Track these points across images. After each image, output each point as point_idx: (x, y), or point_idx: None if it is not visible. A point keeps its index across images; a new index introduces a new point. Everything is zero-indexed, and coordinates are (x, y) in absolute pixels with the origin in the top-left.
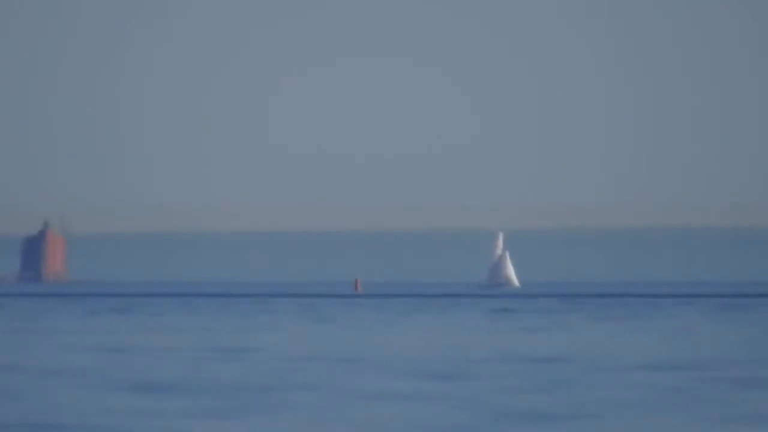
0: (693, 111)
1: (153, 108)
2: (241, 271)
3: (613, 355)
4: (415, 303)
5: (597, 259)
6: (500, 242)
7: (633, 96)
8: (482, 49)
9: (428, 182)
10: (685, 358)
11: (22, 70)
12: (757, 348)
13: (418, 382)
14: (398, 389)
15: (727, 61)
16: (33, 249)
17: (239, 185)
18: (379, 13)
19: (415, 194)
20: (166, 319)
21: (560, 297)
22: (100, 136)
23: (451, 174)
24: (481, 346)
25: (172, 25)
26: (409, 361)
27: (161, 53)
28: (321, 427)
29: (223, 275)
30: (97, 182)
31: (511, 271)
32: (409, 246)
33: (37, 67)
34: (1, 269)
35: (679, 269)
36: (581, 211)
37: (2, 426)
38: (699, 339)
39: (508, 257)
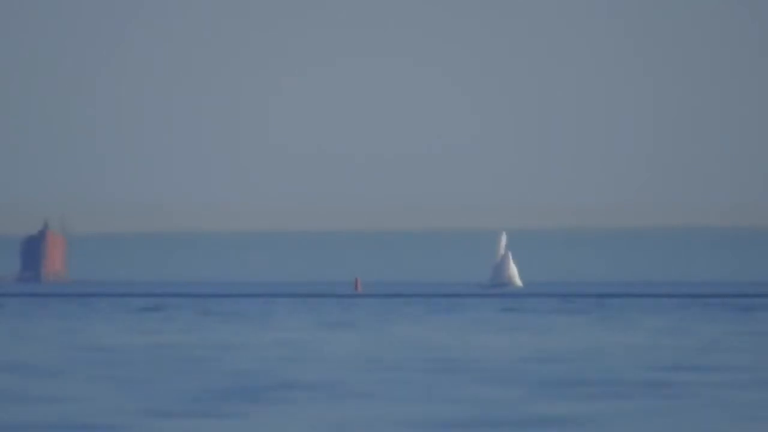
0: (693, 111)
1: (153, 108)
2: (241, 272)
3: None
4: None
5: (599, 259)
6: (503, 242)
7: (633, 96)
8: (482, 49)
9: (429, 182)
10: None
11: (22, 70)
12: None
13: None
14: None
15: (727, 61)
16: (33, 249)
17: (239, 185)
18: (379, 13)
19: (415, 194)
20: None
21: (579, 297)
22: (100, 136)
23: (452, 174)
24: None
25: (172, 25)
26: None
27: (161, 53)
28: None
29: (223, 275)
30: (97, 182)
31: (514, 271)
32: (411, 246)
33: (37, 67)
34: (0, 269)
35: (679, 269)
36: (582, 211)
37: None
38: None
39: (510, 257)
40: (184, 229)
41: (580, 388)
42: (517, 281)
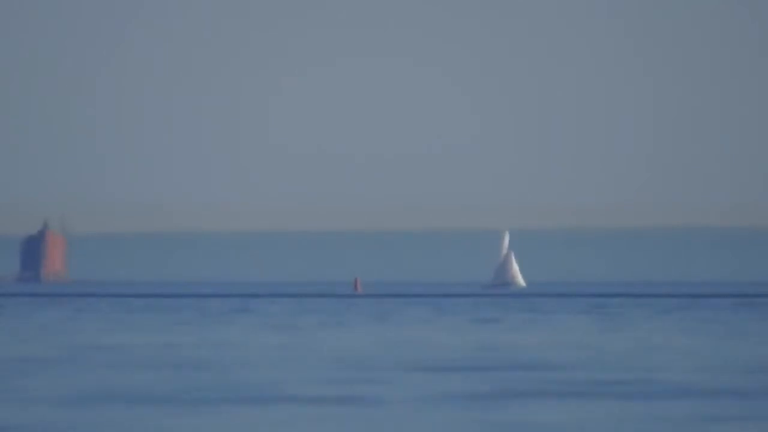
0: (693, 111)
1: (153, 108)
2: (241, 272)
3: None
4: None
5: (601, 259)
6: (506, 242)
7: (633, 96)
8: (483, 50)
9: (430, 182)
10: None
11: (22, 70)
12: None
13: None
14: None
15: (727, 61)
16: (32, 249)
17: (239, 185)
18: (379, 13)
19: (416, 194)
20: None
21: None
22: (100, 136)
23: (453, 174)
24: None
25: (172, 25)
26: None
27: (161, 53)
28: None
29: (223, 275)
30: (97, 182)
31: (516, 270)
32: (412, 246)
33: (37, 67)
34: (0, 269)
35: (680, 269)
36: (583, 211)
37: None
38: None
39: (513, 257)
40: (184, 229)
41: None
42: (520, 281)
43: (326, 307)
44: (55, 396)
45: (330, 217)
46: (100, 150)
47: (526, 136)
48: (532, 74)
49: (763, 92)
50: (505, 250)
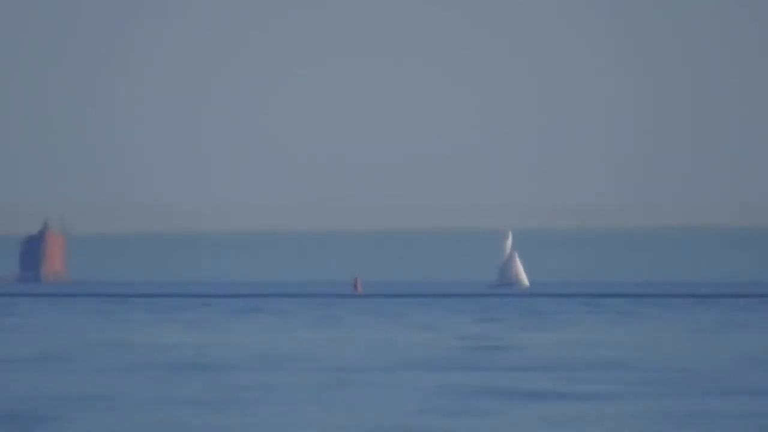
0: (693, 111)
1: (153, 108)
2: (241, 272)
3: None
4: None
5: (604, 259)
6: (509, 242)
7: (633, 96)
8: (485, 51)
9: (432, 182)
10: None
11: (22, 70)
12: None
13: None
14: None
15: (727, 61)
16: (32, 249)
17: (239, 185)
18: (381, 14)
19: (419, 195)
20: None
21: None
22: (100, 136)
23: (456, 174)
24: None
25: (172, 25)
26: None
27: (161, 53)
28: None
29: (223, 275)
30: (97, 182)
31: (520, 270)
32: (416, 247)
33: (37, 67)
34: (0, 269)
35: (685, 269)
36: (585, 211)
37: None
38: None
39: (517, 257)
40: (184, 229)
41: None
42: (524, 281)
43: (324, 307)
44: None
45: (331, 217)
46: (100, 150)
47: (529, 137)
48: (533, 75)
49: (763, 92)
50: (508, 250)
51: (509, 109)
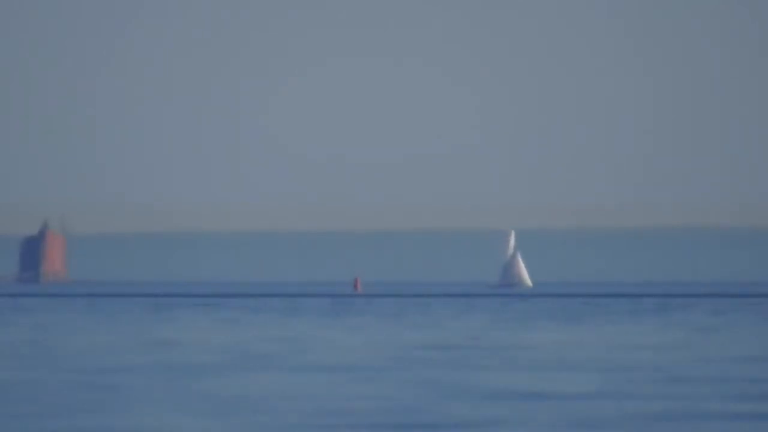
0: (693, 111)
1: (153, 108)
2: (241, 272)
3: None
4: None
5: (606, 258)
6: (512, 242)
7: (633, 96)
8: (485, 51)
9: (432, 182)
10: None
11: (22, 70)
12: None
13: None
14: None
15: (727, 61)
16: (32, 249)
17: (239, 185)
18: (381, 14)
19: (421, 195)
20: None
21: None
22: (100, 136)
23: (458, 174)
24: None
25: (172, 25)
26: None
27: (161, 53)
28: None
29: (223, 275)
30: (97, 182)
31: (523, 270)
32: (418, 247)
33: (37, 67)
34: (0, 269)
35: (685, 269)
36: (587, 211)
37: None
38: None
39: (519, 257)
40: (184, 229)
41: None
42: (527, 281)
43: (324, 307)
44: None
45: (331, 217)
46: (100, 150)
47: (529, 137)
48: (533, 75)
49: (763, 92)
50: (511, 251)
51: (509, 109)
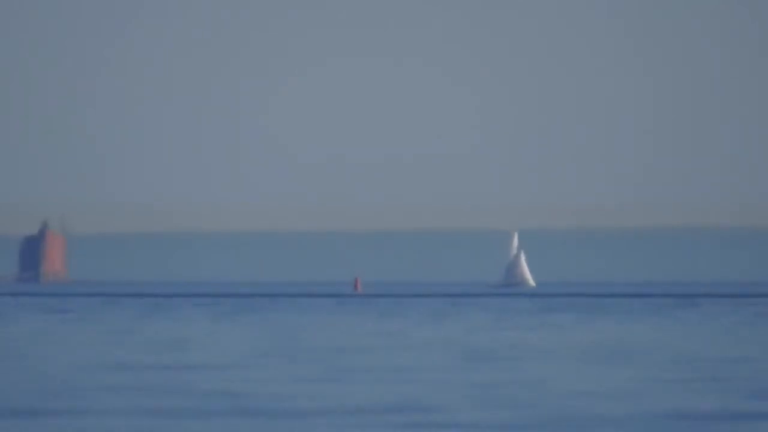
0: (693, 111)
1: (153, 108)
2: (241, 271)
3: None
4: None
5: (608, 258)
6: (515, 242)
7: (633, 96)
8: (485, 51)
9: (432, 182)
10: None
11: (22, 70)
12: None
13: None
14: None
15: (727, 61)
16: (32, 249)
17: (239, 185)
18: (381, 13)
19: (418, 194)
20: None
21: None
22: (100, 136)
23: (456, 174)
24: None
25: (172, 25)
26: None
27: (161, 53)
28: None
29: (223, 275)
30: (97, 182)
31: (526, 270)
32: (417, 246)
33: (37, 67)
34: (0, 269)
35: (685, 269)
36: (585, 211)
37: None
38: None
39: (523, 257)
40: (184, 229)
41: None
42: (530, 281)
43: (324, 306)
44: None
45: (331, 217)
46: (100, 150)
47: (529, 137)
48: (533, 75)
49: (763, 92)
50: (514, 251)
51: (509, 109)
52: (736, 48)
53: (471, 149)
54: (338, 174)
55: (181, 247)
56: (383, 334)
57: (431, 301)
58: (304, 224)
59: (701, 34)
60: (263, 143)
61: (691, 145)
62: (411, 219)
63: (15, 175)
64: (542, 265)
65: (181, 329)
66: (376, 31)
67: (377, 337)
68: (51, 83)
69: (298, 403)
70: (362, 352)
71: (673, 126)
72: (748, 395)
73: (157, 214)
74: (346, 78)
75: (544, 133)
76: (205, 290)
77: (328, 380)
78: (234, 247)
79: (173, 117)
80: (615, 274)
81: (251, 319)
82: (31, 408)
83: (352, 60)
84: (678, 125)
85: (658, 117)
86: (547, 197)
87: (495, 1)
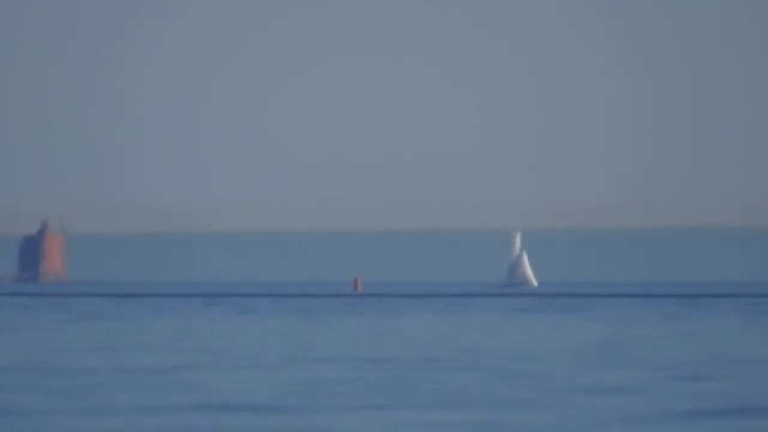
0: (693, 111)
1: (152, 108)
2: (241, 272)
3: None
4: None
5: (608, 258)
6: (518, 242)
7: (633, 96)
8: (485, 51)
9: (432, 182)
10: None
11: (22, 70)
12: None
13: None
14: None
15: (727, 61)
16: (32, 249)
17: (239, 185)
18: (381, 13)
19: (418, 194)
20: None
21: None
22: (100, 136)
23: (456, 174)
24: None
25: (172, 25)
26: None
27: (161, 53)
28: None
29: (223, 275)
30: (97, 182)
31: (529, 270)
32: (417, 246)
33: (37, 67)
34: None
35: (685, 269)
36: (585, 211)
37: None
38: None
39: (525, 257)
40: (184, 229)
41: None
42: (533, 281)
43: (324, 306)
44: None
45: (331, 217)
46: (100, 150)
47: (529, 137)
48: (533, 75)
49: (763, 92)
50: (517, 251)
51: (509, 109)
52: (736, 48)
53: (471, 149)
54: (338, 174)
55: (181, 247)
56: (384, 333)
57: (432, 301)
58: (304, 224)
59: (701, 34)
60: (263, 143)
61: (691, 145)
62: (411, 219)
63: (15, 175)
64: (542, 265)
65: (181, 329)
66: (376, 31)
67: (378, 336)
68: (51, 83)
69: (299, 403)
70: (362, 352)
71: (673, 126)
72: (749, 395)
73: (157, 214)
74: (346, 78)
75: (544, 133)
76: (205, 290)
77: (328, 380)
78: (234, 247)
79: (173, 117)
80: (615, 273)
81: (251, 319)
82: (32, 408)
83: (352, 60)
84: (678, 125)
85: (658, 117)
86: (548, 197)
87: (495, 1)
